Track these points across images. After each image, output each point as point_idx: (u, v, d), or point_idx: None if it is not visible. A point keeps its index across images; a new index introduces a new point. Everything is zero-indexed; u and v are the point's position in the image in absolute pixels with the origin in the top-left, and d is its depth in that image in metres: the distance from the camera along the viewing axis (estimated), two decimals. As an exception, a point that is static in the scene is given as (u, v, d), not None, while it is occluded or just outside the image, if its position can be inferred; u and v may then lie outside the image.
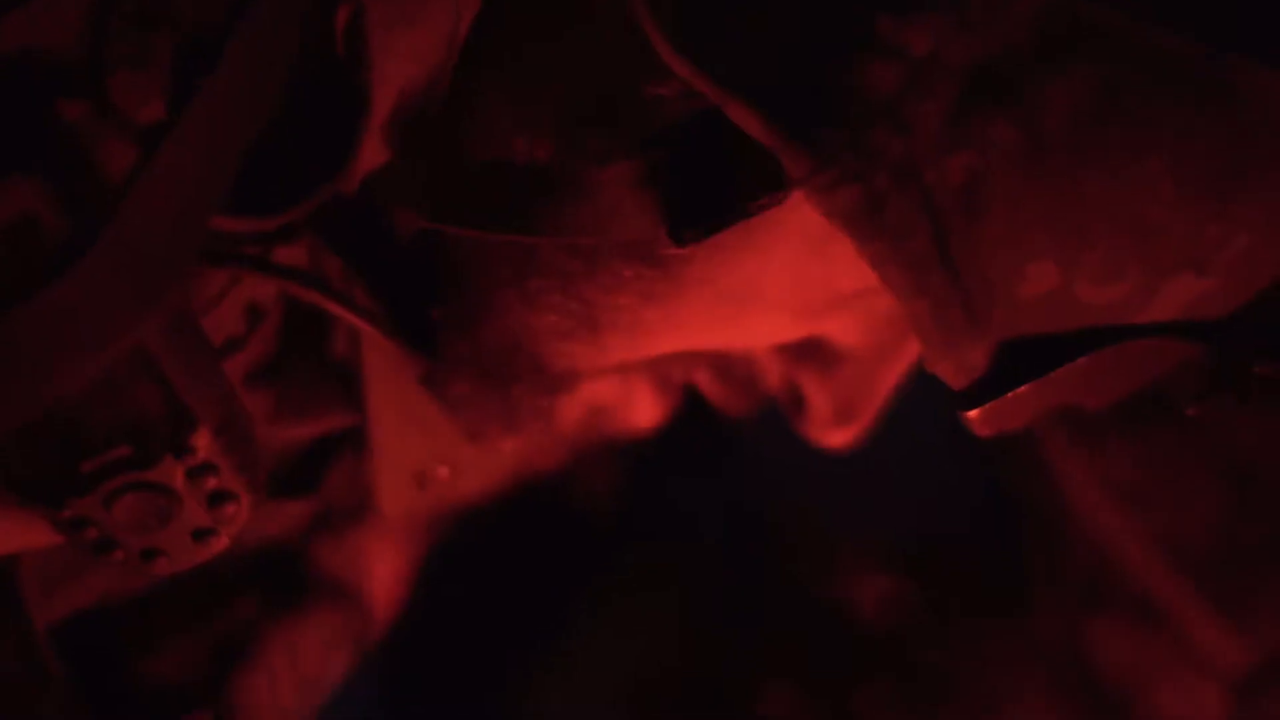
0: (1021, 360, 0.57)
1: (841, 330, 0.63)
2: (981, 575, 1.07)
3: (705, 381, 0.67)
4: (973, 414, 0.57)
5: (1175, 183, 0.55)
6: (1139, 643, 0.96)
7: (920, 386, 0.61)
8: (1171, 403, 0.62)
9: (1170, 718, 0.96)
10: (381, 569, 0.81)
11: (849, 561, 1.09)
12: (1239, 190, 0.56)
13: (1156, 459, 0.83)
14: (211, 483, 0.60)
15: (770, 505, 1.11)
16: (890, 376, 0.65)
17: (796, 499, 1.09)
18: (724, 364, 0.66)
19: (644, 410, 0.68)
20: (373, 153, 0.62)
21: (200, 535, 0.61)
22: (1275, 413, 0.80)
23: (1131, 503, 0.87)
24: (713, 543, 1.11)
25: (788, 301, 0.61)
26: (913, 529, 1.09)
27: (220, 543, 0.61)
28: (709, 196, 0.58)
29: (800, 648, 1.09)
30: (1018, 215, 0.55)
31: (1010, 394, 0.57)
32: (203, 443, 0.59)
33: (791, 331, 0.63)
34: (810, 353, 0.64)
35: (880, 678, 1.08)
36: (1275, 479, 0.84)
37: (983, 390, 0.57)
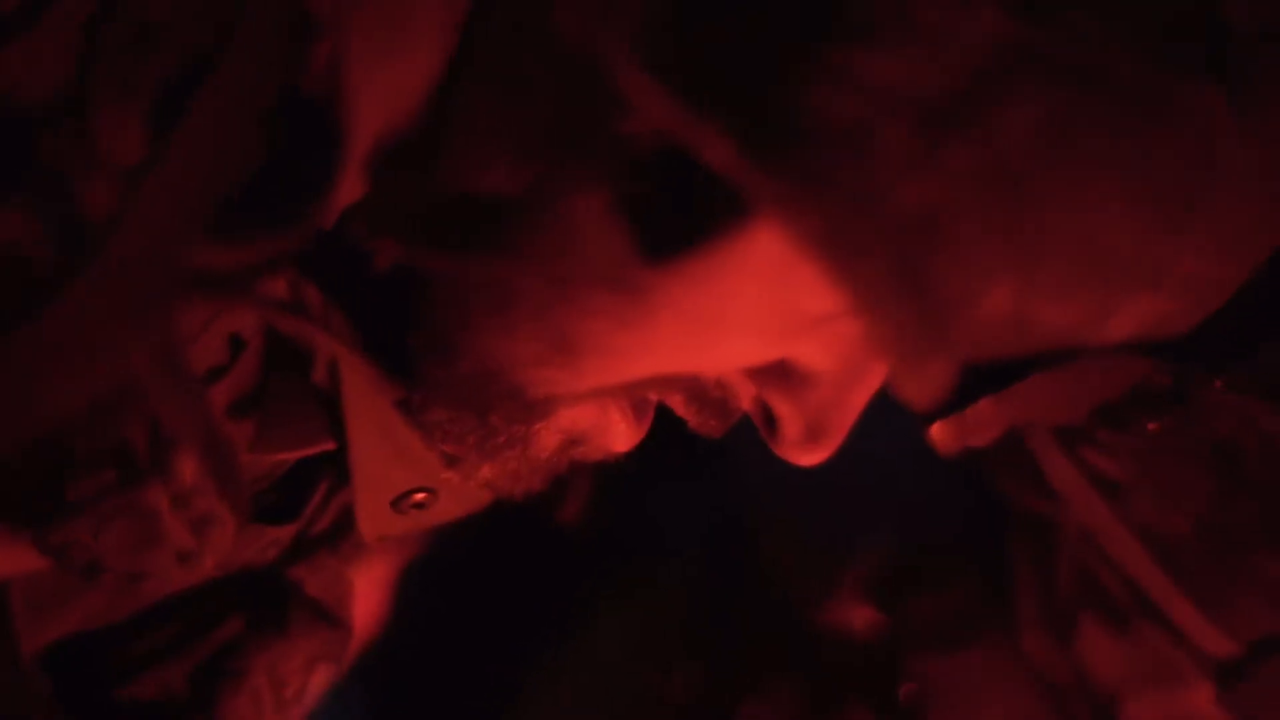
0: (982, 378, 0.58)
1: (810, 353, 0.64)
2: (967, 584, 1.07)
3: (679, 405, 0.68)
4: (934, 430, 0.59)
5: (1128, 204, 0.56)
6: (1128, 644, 0.96)
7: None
8: (1135, 418, 0.63)
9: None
10: (362, 589, 0.82)
11: (832, 572, 1.09)
12: (1190, 211, 0.57)
13: (1140, 450, 0.83)
14: (196, 507, 0.61)
15: (750, 514, 1.11)
16: (859, 397, 0.66)
17: (778, 508, 1.09)
18: (697, 388, 0.67)
19: (620, 435, 0.69)
20: (352, 185, 0.63)
21: (185, 558, 0.62)
22: (1257, 401, 0.80)
23: (1115, 495, 0.87)
24: (693, 554, 1.11)
25: (756, 325, 0.62)
26: (896, 538, 1.09)
27: (204, 565, 0.62)
28: (676, 224, 0.60)
29: (784, 660, 1.09)
30: (976, 238, 0.56)
31: (970, 410, 0.58)
32: (187, 468, 0.60)
33: (761, 354, 0.64)
34: (780, 375, 0.65)
35: (864, 691, 1.08)
36: (1257, 469, 0.84)
37: (944, 407, 0.58)
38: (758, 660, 1.10)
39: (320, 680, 0.80)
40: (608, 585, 1.09)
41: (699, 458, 1.06)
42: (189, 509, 0.61)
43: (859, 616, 1.09)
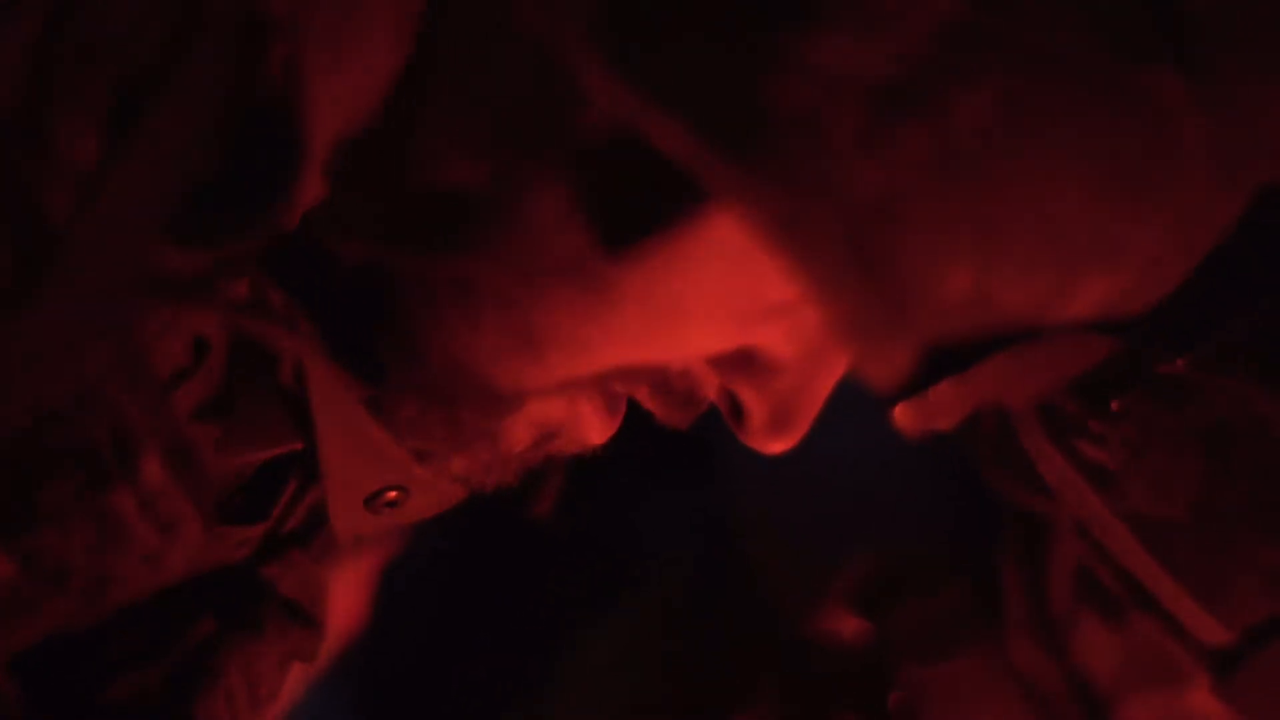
0: (944, 360, 0.58)
1: (773, 340, 0.65)
2: (956, 588, 1.07)
3: (645, 397, 0.68)
4: (896, 412, 0.59)
5: (1085, 184, 0.57)
6: (1123, 641, 0.96)
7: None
8: (1097, 398, 0.63)
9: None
10: (344, 588, 0.82)
11: (819, 575, 1.09)
12: (1147, 190, 0.58)
13: (1131, 437, 0.83)
14: (162, 509, 0.61)
15: (735, 515, 1.11)
16: (824, 383, 0.66)
17: (762, 510, 1.09)
18: (662, 378, 0.67)
19: (593, 427, 0.70)
20: (314, 185, 0.63)
21: (152, 561, 0.62)
22: (1249, 383, 0.80)
23: (1108, 485, 0.86)
24: (679, 557, 1.11)
25: (718, 313, 0.63)
26: (884, 542, 1.09)
27: (172, 568, 0.63)
28: (635, 213, 0.60)
29: (771, 666, 1.09)
30: (933, 221, 0.56)
31: (931, 391, 0.58)
32: (152, 471, 0.60)
33: (724, 343, 0.65)
34: (744, 363, 0.66)
35: (854, 699, 1.07)
36: (1248, 451, 0.83)
37: (906, 390, 0.59)
38: (745, 666, 1.10)
39: (295, 679, 0.80)
40: (592, 590, 1.09)
41: (684, 461, 1.06)
42: (155, 512, 0.61)
43: (847, 624, 1.09)
